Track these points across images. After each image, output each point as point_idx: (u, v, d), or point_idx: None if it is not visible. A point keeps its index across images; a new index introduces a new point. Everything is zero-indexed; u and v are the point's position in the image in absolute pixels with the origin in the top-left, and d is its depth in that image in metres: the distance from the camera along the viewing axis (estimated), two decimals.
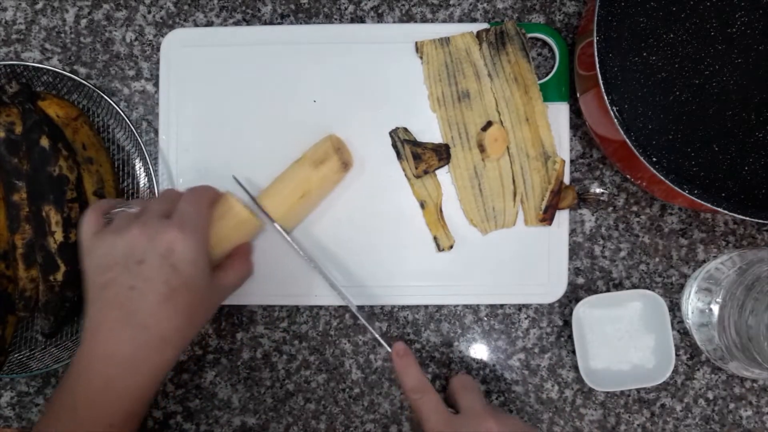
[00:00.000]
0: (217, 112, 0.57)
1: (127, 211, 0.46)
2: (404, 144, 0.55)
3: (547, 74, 0.57)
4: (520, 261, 0.56)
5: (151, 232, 0.43)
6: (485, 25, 0.56)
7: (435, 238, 0.56)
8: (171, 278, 0.43)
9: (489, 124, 0.55)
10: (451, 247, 0.56)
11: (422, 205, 0.56)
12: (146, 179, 0.57)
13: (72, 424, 0.42)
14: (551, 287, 0.56)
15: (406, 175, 0.56)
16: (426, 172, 0.55)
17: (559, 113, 0.56)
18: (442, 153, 0.55)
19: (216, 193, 0.50)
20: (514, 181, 0.56)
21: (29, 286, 0.53)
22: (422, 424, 0.48)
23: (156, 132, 0.57)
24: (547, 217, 0.55)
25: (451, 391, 0.51)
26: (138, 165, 0.57)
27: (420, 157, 0.54)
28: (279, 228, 0.52)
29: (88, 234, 0.46)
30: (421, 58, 0.56)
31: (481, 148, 0.55)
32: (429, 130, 0.56)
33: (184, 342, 0.45)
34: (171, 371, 0.57)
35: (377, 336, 0.52)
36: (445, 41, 0.56)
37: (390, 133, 0.56)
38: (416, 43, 0.56)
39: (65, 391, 0.44)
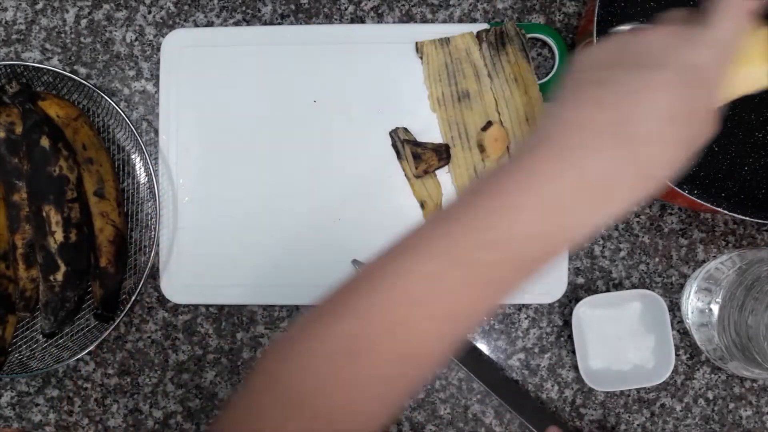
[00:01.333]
0: (217, 112, 0.57)
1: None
2: (404, 144, 0.55)
3: (547, 74, 0.57)
4: None
5: (681, 37, 0.32)
6: (485, 26, 0.56)
7: None
8: (691, 79, 0.32)
9: (489, 124, 0.55)
10: None
11: (422, 205, 0.56)
12: (146, 179, 0.57)
13: (483, 244, 0.31)
14: (551, 287, 0.56)
15: (406, 175, 0.56)
16: (426, 172, 0.55)
17: None
18: (442, 153, 0.55)
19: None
20: None
21: (29, 286, 0.53)
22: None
23: (156, 132, 0.58)
24: None
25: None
26: (138, 165, 0.57)
27: (420, 157, 0.55)
28: None
29: (580, 56, 0.35)
30: (421, 58, 0.56)
31: (481, 148, 0.55)
32: (429, 130, 0.56)
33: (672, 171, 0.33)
34: (171, 371, 0.57)
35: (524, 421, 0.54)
36: (445, 41, 0.56)
37: (390, 133, 0.56)
38: (416, 43, 0.56)
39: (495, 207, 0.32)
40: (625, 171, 0.31)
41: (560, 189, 0.31)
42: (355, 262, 0.54)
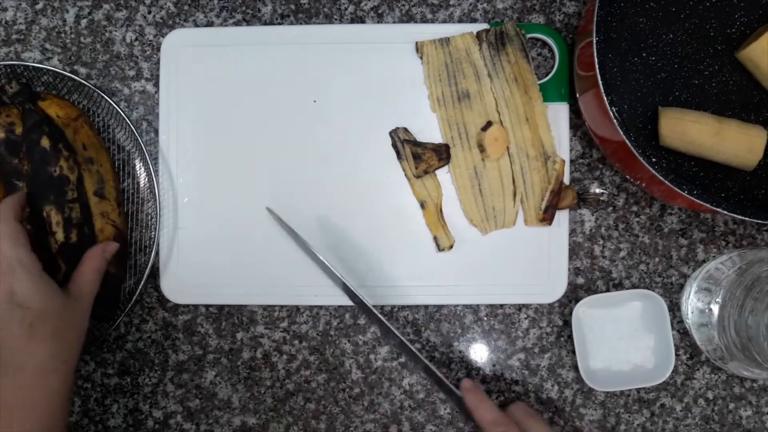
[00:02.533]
0: (217, 112, 0.57)
1: None
2: (404, 144, 0.55)
3: (547, 74, 0.57)
4: (520, 261, 0.56)
5: None
6: (485, 26, 0.56)
7: (435, 238, 0.56)
8: (24, 317, 0.44)
9: (489, 124, 0.55)
10: (451, 247, 0.56)
11: (422, 205, 0.56)
12: (146, 179, 0.57)
13: None
14: (551, 287, 0.56)
15: (406, 175, 0.56)
16: (426, 172, 0.55)
17: (558, 114, 0.56)
18: (442, 153, 0.55)
19: (13, 201, 0.48)
20: (514, 181, 0.56)
21: None
22: None
23: (156, 132, 0.58)
24: (547, 217, 0.55)
25: (514, 419, 0.50)
26: (138, 165, 0.57)
27: (420, 157, 0.55)
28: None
29: None
30: (421, 58, 0.56)
31: (481, 148, 0.55)
32: (428, 129, 0.56)
33: (69, 363, 0.46)
34: (171, 371, 0.57)
35: (440, 375, 0.52)
36: (445, 41, 0.56)
37: (390, 133, 0.56)
38: (416, 43, 0.56)
39: None
40: (31, 384, 0.44)
41: None
42: (269, 209, 0.55)
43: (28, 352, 0.44)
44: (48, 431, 0.44)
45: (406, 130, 0.56)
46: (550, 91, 0.56)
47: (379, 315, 0.52)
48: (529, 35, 0.56)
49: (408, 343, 0.52)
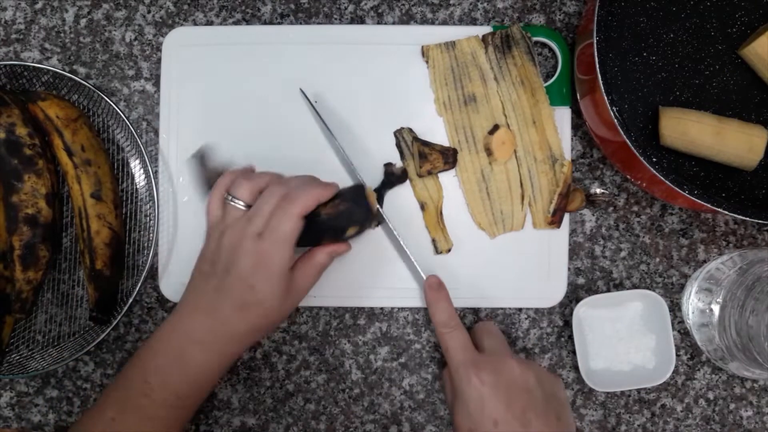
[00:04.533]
0: (218, 111, 0.57)
1: (233, 206, 0.49)
2: (414, 141, 0.55)
3: (548, 74, 0.57)
4: (519, 265, 0.56)
5: (241, 253, 0.47)
6: (487, 27, 0.56)
7: (433, 241, 0.56)
8: (247, 295, 0.46)
9: (496, 127, 0.55)
10: (449, 250, 0.56)
11: (422, 207, 0.56)
12: (145, 179, 0.57)
13: (142, 392, 0.47)
14: (550, 292, 0.56)
15: (408, 175, 0.56)
16: (430, 173, 0.55)
17: (561, 117, 0.56)
18: (449, 156, 0.55)
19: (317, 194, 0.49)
20: (521, 184, 0.56)
21: (26, 288, 0.53)
22: (448, 359, 0.49)
23: (156, 132, 0.57)
24: (555, 219, 0.55)
25: (474, 334, 0.52)
26: (137, 165, 0.57)
27: (426, 156, 0.54)
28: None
29: (211, 218, 0.50)
30: (426, 62, 0.56)
31: (488, 151, 0.55)
32: (432, 131, 0.56)
33: (251, 341, 0.50)
34: None
35: (414, 261, 0.53)
36: (450, 45, 0.56)
37: (395, 133, 0.56)
38: (422, 47, 0.56)
39: (137, 365, 0.48)
40: (223, 337, 0.48)
41: (187, 332, 0.48)
42: (301, 91, 0.55)
43: (233, 319, 0.47)
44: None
45: (410, 130, 0.56)
46: (552, 95, 0.56)
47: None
48: (531, 39, 0.56)
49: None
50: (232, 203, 0.49)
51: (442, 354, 0.53)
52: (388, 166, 0.55)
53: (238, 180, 0.49)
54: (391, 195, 0.56)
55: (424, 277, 0.53)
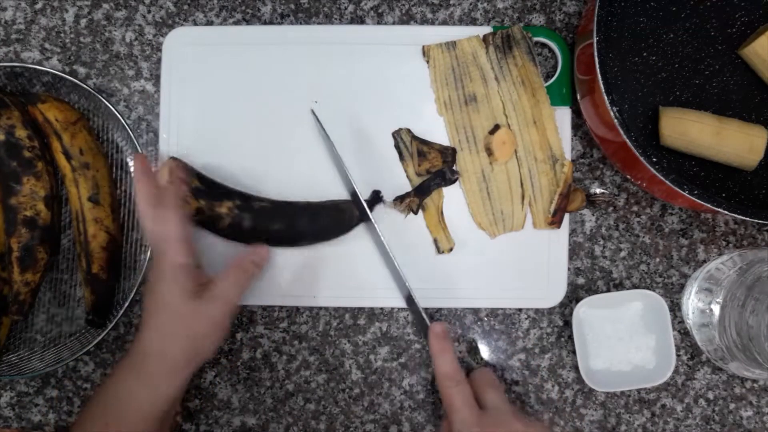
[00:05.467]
0: (218, 111, 0.57)
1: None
2: (412, 140, 0.55)
3: (548, 75, 0.57)
4: (519, 266, 0.56)
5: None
6: (487, 27, 0.56)
7: (435, 240, 0.56)
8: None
9: (497, 127, 0.55)
10: (451, 249, 0.56)
11: (423, 207, 0.56)
12: None
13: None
14: (549, 292, 0.56)
15: (407, 176, 0.56)
16: (428, 172, 0.55)
17: (562, 117, 0.56)
18: (448, 155, 0.55)
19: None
20: (522, 185, 0.56)
21: (23, 290, 0.53)
22: (450, 414, 0.48)
23: (156, 132, 0.57)
24: (556, 220, 0.55)
25: (474, 383, 0.51)
26: None
27: (425, 155, 0.54)
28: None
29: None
30: (427, 62, 0.56)
31: (489, 151, 0.55)
32: (432, 132, 0.56)
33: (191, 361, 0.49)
34: None
35: (421, 310, 0.53)
36: (451, 45, 0.56)
37: (393, 134, 0.56)
38: (423, 47, 0.56)
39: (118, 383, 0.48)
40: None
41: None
42: (312, 112, 0.55)
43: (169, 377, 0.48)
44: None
45: (409, 130, 0.56)
46: (552, 95, 0.55)
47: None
48: (532, 39, 0.56)
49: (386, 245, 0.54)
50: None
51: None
52: (375, 192, 0.55)
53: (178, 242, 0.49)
54: (391, 196, 0.56)
55: (428, 322, 0.52)
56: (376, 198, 0.55)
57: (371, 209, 0.54)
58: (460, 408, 0.47)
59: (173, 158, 0.53)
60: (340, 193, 0.56)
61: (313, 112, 0.55)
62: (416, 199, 0.54)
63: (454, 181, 0.55)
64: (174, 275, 0.47)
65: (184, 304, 0.47)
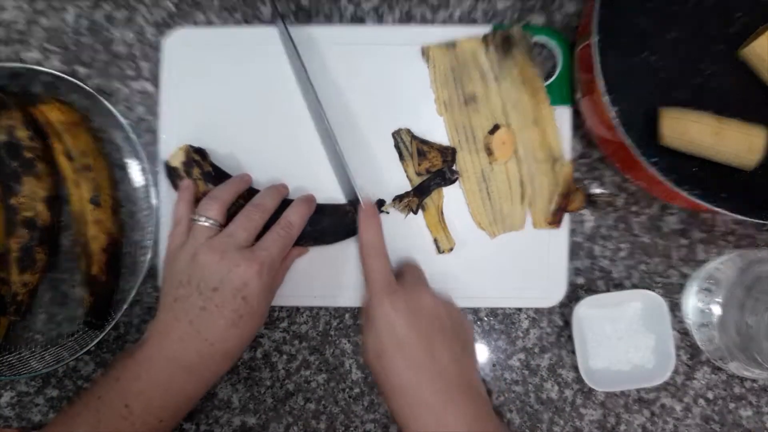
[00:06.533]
0: (218, 112, 0.57)
1: (204, 225, 0.49)
2: (412, 140, 0.55)
3: (548, 74, 0.57)
4: (520, 265, 0.56)
5: (230, 265, 0.46)
6: (487, 27, 0.56)
7: (435, 240, 0.56)
8: (241, 308, 0.46)
9: (496, 127, 0.55)
10: (451, 249, 0.56)
11: (423, 207, 0.56)
12: (145, 180, 0.57)
13: (121, 415, 0.45)
14: (550, 291, 0.56)
15: (407, 176, 0.56)
16: (428, 172, 0.55)
17: (561, 117, 0.56)
18: (448, 155, 0.55)
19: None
20: (522, 184, 0.56)
21: (21, 291, 0.53)
22: (367, 283, 0.49)
23: (155, 132, 0.57)
24: (556, 219, 0.55)
25: (398, 271, 0.52)
26: (137, 166, 0.57)
27: (425, 154, 0.54)
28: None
29: (174, 243, 0.50)
30: (427, 62, 0.56)
31: (489, 151, 0.55)
32: (432, 132, 0.56)
33: (241, 352, 0.50)
34: None
35: (355, 185, 0.52)
36: (451, 45, 0.56)
37: (393, 134, 0.56)
38: (422, 47, 0.56)
39: (115, 388, 0.46)
40: (211, 358, 0.47)
41: (176, 357, 0.46)
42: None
43: (225, 335, 0.47)
44: None
45: (409, 130, 0.56)
46: (552, 94, 0.56)
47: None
48: (532, 39, 0.56)
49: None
50: (204, 223, 0.49)
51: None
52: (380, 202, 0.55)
53: (206, 200, 0.50)
54: (391, 197, 0.56)
55: (361, 202, 0.51)
56: (379, 205, 0.55)
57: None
58: (376, 276, 0.48)
59: (189, 145, 0.54)
60: (341, 195, 0.56)
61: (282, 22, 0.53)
62: (415, 198, 0.54)
63: (453, 181, 0.55)
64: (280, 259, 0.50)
65: (275, 281, 0.51)
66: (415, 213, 0.55)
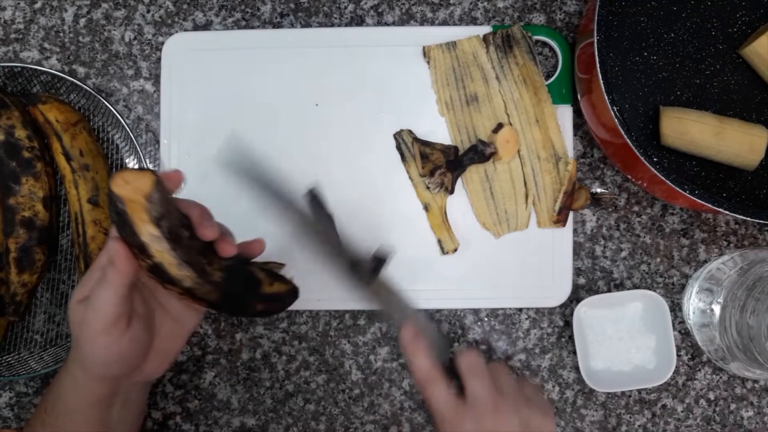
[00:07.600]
0: (218, 115, 0.57)
1: None
2: (414, 142, 0.55)
3: (548, 74, 0.57)
4: (525, 265, 0.56)
5: None
6: (487, 27, 0.56)
7: (439, 241, 0.56)
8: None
9: (500, 126, 0.55)
10: (455, 250, 0.56)
11: (426, 208, 0.56)
12: None
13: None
14: (555, 290, 0.56)
15: (410, 177, 0.56)
16: (432, 173, 0.55)
17: (563, 116, 0.56)
18: (450, 154, 0.55)
19: None
20: (525, 184, 0.56)
21: (20, 291, 0.53)
22: (431, 415, 0.48)
23: (155, 132, 0.57)
24: (561, 218, 0.55)
25: (458, 370, 0.48)
26: (136, 166, 0.57)
27: (428, 156, 0.54)
28: None
29: None
30: (428, 62, 0.56)
31: (493, 150, 0.55)
32: (434, 132, 0.56)
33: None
34: (170, 371, 0.57)
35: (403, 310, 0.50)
36: (451, 45, 0.56)
37: (394, 135, 0.56)
38: (423, 47, 0.56)
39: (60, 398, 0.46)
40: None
41: None
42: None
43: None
44: None
45: (410, 132, 0.56)
46: (553, 93, 0.55)
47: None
48: (532, 38, 0.56)
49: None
50: None
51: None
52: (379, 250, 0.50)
53: None
54: (394, 197, 0.56)
55: (403, 325, 0.49)
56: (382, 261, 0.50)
57: (377, 272, 0.50)
58: (437, 407, 0.47)
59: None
60: (342, 195, 0.56)
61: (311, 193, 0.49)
62: (449, 174, 0.52)
63: (488, 158, 0.52)
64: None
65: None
66: (451, 192, 0.53)
